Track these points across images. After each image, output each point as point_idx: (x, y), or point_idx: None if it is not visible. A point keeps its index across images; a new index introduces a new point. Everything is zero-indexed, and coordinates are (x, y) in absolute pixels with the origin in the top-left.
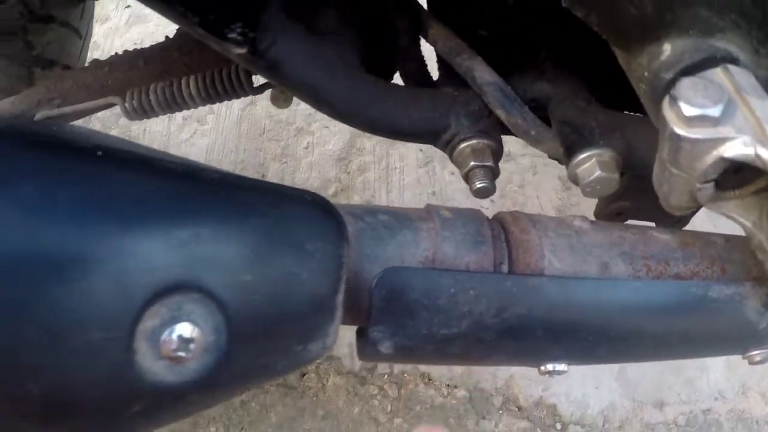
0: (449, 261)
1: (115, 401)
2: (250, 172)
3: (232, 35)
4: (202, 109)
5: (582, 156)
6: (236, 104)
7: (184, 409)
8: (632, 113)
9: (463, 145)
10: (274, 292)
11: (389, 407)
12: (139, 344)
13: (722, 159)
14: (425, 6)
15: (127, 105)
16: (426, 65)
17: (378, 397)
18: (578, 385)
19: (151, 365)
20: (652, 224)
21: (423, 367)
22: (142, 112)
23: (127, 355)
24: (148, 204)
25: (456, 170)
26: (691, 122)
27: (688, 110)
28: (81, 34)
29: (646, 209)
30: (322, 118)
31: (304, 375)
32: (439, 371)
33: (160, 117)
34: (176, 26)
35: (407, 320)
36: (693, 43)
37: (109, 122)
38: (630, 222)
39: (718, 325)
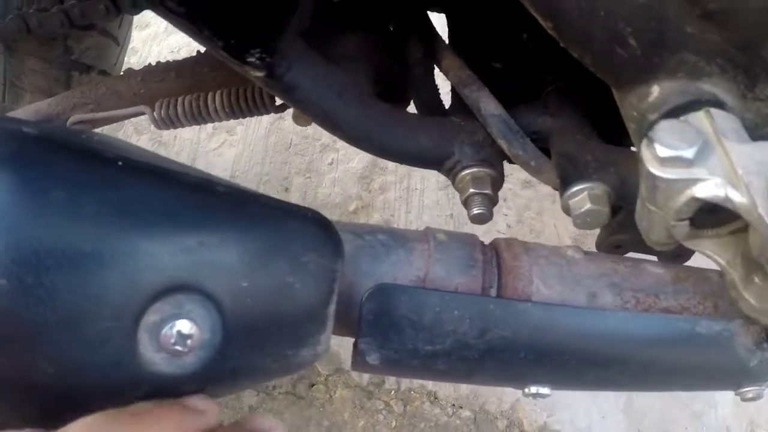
0: (439, 281)
1: (119, 385)
2: (275, 185)
3: (251, 59)
4: (232, 120)
5: (575, 189)
6: (265, 118)
7: None
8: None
9: (464, 172)
10: (267, 299)
11: (394, 423)
12: (141, 335)
13: (694, 199)
14: (445, 36)
15: (155, 114)
16: (439, 94)
17: (383, 412)
18: (583, 415)
19: (152, 356)
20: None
21: (430, 386)
22: (169, 122)
23: (131, 344)
24: (161, 211)
25: None
26: (665, 163)
27: (663, 151)
28: (119, 41)
29: (644, 243)
30: None
31: (312, 386)
32: (445, 391)
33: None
34: None
35: (393, 334)
36: (679, 86)
37: (142, 128)
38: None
39: (706, 360)
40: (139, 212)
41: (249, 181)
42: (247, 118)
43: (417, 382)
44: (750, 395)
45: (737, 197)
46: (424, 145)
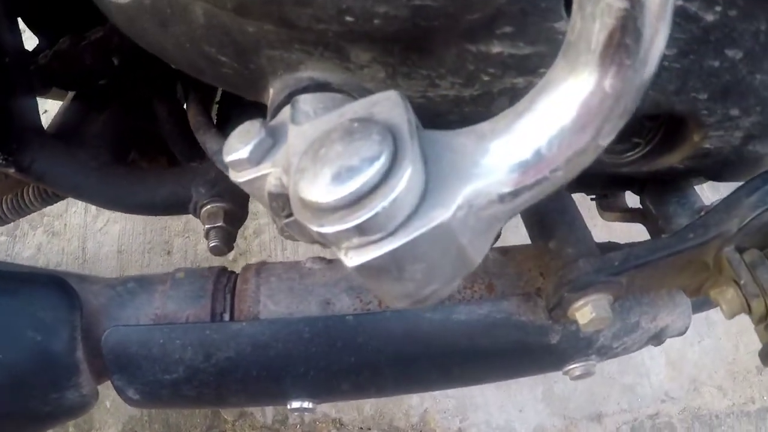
0: (171, 316)
1: None
2: (158, 251)
3: None
4: None
5: None
6: None
7: None
8: None
9: (202, 210)
10: (15, 351)
11: None
12: None
13: (271, 194)
14: None
15: None
16: (196, 143)
17: None
18: (498, 413)
19: None
20: None
21: (333, 413)
22: None
23: None
24: None
25: None
26: (233, 167)
27: (226, 157)
28: None
29: None
30: None
31: None
32: (350, 415)
33: (78, 211)
34: None
35: (134, 369)
36: (282, 83)
37: (36, 223)
38: None
39: (485, 346)
40: None
41: (134, 250)
42: None
43: (320, 413)
44: (578, 372)
45: (287, 181)
46: (164, 196)
